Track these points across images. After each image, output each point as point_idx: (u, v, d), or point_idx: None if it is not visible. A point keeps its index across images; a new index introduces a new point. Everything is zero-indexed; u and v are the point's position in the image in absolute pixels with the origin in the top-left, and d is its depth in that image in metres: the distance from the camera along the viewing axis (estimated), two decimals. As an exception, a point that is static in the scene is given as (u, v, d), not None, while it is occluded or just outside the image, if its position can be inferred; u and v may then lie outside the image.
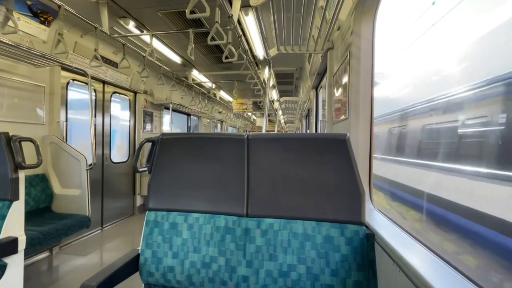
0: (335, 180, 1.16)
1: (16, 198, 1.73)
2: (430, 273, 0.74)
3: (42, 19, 2.91)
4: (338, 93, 2.30)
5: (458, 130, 2.53)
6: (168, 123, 5.80)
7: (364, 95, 1.73)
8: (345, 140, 1.14)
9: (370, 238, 1.11)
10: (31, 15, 2.80)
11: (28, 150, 1.92)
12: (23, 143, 1.82)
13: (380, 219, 1.34)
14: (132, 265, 1.25)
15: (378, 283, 1.07)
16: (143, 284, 1.30)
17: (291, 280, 1.11)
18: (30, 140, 1.89)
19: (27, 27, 2.80)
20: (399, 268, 0.87)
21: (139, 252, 1.28)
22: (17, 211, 1.76)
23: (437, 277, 0.72)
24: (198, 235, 1.23)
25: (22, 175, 1.78)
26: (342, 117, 2.07)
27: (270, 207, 1.22)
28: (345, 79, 2.00)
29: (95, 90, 4.07)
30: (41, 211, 2.98)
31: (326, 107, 2.90)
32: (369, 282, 1.07)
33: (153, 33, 3.32)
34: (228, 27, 2.63)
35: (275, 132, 7.21)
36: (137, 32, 3.65)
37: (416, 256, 0.86)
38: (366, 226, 1.14)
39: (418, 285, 0.74)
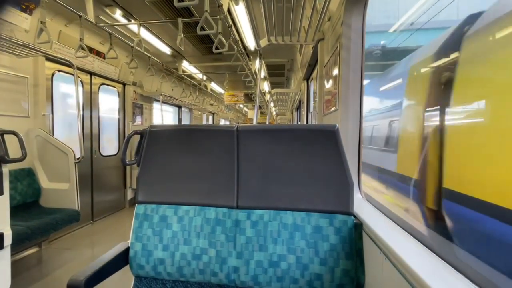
0: (324, 170, 1.17)
1: (0, 192, 1.69)
2: (416, 261, 0.76)
3: (23, 6, 2.79)
4: (328, 84, 2.30)
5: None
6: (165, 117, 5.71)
7: (353, 87, 1.73)
8: (335, 131, 1.14)
9: (358, 228, 1.13)
10: (11, 2, 2.68)
11: (12, 144, 1.87)
12: (7, 136, 1.76)
13: (368, 209, 1.36)
14: (122, 259, 1.25)
15: (365, 271, 1.09)
16: (133, 277, 1.29)
17: (281, 270, 1.13)
18: (13, 133, 1.83)
19: (7, 15, 2.67)
20: (385, 256, 0.89)
21: (129, 245, 1.27)
22: (1, 206, 1.72)
23: (422, 265, 0.74)
24: (189, 228, 1.23)
25: (6, 169, 1.73)
26: (332, 108, 2.08)
27: (260, 199, 1.22)
28: (335, 71, 2.00)
29: (82, 82, 3.96)
30: (28, 205, 2.92)
31: (316, 99, 2.90)
32: (356, 270, 1.10)
33: (141, 22, 3.23)
34: (218, 17, 2.58)
35: (267, 124, 7.20)
36: (124, 21, 3.54)
37: (402, 245, 0.88)
38: (355, 216, 1.16)
39: (404, 273, 0.76)
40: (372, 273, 1.05)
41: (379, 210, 1.33)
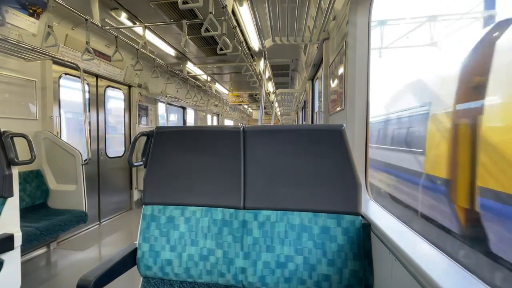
0: (331, 171, 1.16)
1: (10, 194, 1.71)
2: (426, 262, 0.74)
3: (30, 11, 2.83)
4: (334, 84, 2.29)
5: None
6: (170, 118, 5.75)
7: (360, 86, 1.72)
8: (341, 131, 1.14)
9: (366, 228, 1.12)
10: (19, 7, 2.72)
11: (21, 146, 1.90)
12: (16, 139, 1.79)
13: (376, 209, 1.35)
14: (129, 259, 1.26)
15: (374, 272, 1.08)
16: (141, 278, 1.30)
17: (289, 271, 1.12)
18: (23, 135, 1.86)
19: (15, 19, 2.72)
20: (395, 257, 0.88)
21: (137, 246, 1.28)
22: (11, 207, 1.74)
23: (434, 266, 0.73)
24: (195, 228, 1.23)
25: (15, 171, 1.75)
26: (338, 108, 2.06)
27: (267, 199, 1.22)
28: (341, 70, 1.99)
29: (88, 84, 4.00)
30: (37, 207, 2.96)
31: (322, 99, 2.89)
32: (365, 271, 1.09)
33: (146, 24, 3.25)
34: (222, 18, 2.58)
35: (272, 124, 7.17)
36: (129, 24, 3.57)
37: (412, 246, 0.87)
38: (362, 216, 1.15)
39: (414, 274, 0.75)
40: (381, 274, 1.03)
41: (387, 211, 1.31)
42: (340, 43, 2.02)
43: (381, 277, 1.03)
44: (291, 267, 1.12)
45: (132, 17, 3.48)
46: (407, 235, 0.99)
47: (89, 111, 4.01)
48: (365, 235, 1.11)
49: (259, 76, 5.42)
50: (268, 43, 2.78)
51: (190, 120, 8.22)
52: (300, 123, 8.89)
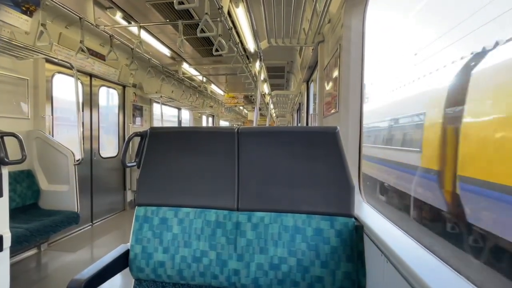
0: (325, 173, 1.16)
1: (0, 194, 1.68)
2: (417, 264, 0.75)
3: (23, 8, 2.79)
4: (328, 86, 2.31)
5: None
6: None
7: (354, 88, 1.73)
8: (335, 133, 1.14)
9: (359, 230, 1.12)
10: (11, 4, 2.68)
11: (12, 145, 1.86)
12: (6, 138, 1.76)
13: (369, 211, 1.36)
14: (122, 261, 1.24)
15: (367, 274, 1.09)
16: (133, 280, 1.29)
17: (282, 273, 1.12)
18: (13, 135, 1.83)
19: (7, 17, 2.68)
20: (386, 259, 0.88)
21: (129, 247, 1.26)
22: (0, 208, 1.71)
23: (424, 268, 0.74)
24: (189, 230, 1.22)
25: (5, 171, 1.72)
26: (333, 110, 2.08)
27: (261, 201, 1.22)
28: (335, 73, 2.00)
29: (81, 84, 3.96)
30: (27, 207, 2.91)
31: (317, 101, 2.91)
32: (358, 273, 1.09)
33: (141, 24, 3.23)
34: (218, 19, 2.58)
35: (266, 125, 7.19)
36: (124, 23, 3.55)
37: (404, 248, 0.88)
38: (356, 218, 1.16)
39: (405, 275, 0.75)
40: (373, 276, 1.04)
41: (380, 213, 1.32)
42: (335, 46, 2.03)
43: (373, 279, 1.04)
44: (284, 269, 1.12)
45: (127, 17, 3.46)
46: (399, 237, 1.00)
47: (83, 110, 3.97)
48: (358, 237, 1.11)
49: (254, 77, 5.43)
50: (263, 44, 2.80)
51: (186, 122, 8.19)
52: (296, 124, 8.93)
